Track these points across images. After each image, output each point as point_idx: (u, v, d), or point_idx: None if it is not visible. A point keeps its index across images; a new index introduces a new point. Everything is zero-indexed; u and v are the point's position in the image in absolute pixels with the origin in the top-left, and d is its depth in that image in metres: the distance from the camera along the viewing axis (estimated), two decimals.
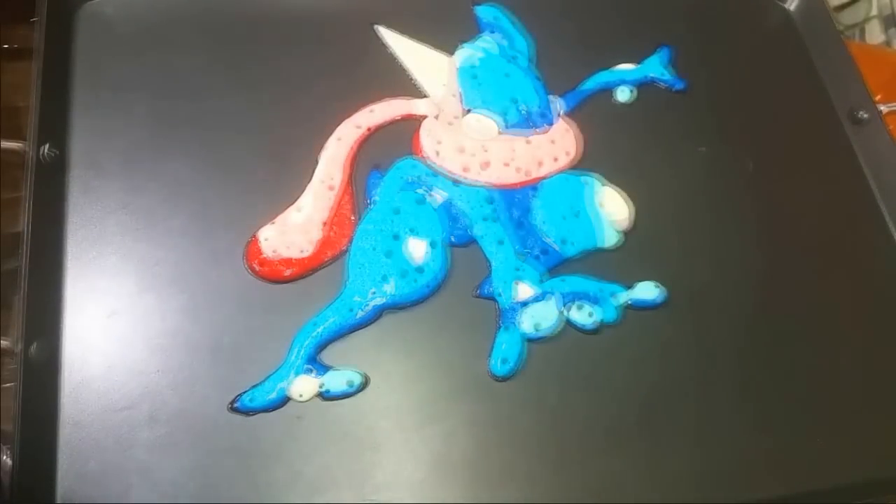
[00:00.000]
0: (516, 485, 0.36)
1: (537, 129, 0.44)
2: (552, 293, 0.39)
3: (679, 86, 0.48)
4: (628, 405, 0.38)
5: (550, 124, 0.45)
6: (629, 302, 0.40)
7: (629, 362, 0.39)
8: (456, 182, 0.42)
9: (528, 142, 0.43)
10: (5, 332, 0.35)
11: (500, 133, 0.44)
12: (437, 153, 0.42)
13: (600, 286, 0.40)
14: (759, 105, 0.49)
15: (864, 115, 0.48)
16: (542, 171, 0.43)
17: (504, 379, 0.38)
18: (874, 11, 0.64)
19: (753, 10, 0.53)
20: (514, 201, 0.42)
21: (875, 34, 0.65)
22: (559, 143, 0.44)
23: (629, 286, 0.41)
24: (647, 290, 0.41)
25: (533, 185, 0.42)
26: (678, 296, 0.41)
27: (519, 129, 0.44)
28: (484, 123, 0.44)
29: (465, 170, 0.42)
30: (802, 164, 0.47)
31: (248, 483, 0.34)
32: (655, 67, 0.49)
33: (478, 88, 0.45)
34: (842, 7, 0.66)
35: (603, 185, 0.43)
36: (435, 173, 0.42)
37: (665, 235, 0.43)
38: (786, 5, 0.54)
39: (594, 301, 0.40)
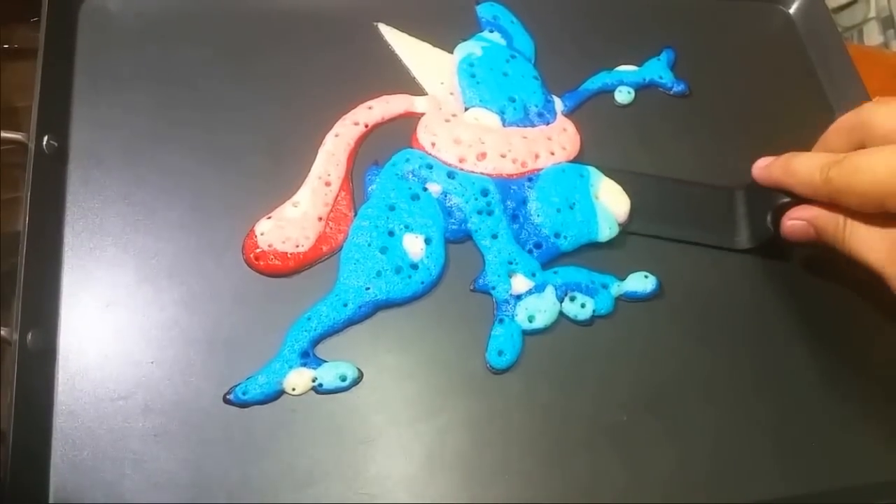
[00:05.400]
0: (510, 481, 0.36)
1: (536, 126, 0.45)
2: (547, 285, 0.39)
3: (679, 88, 0.48)
4: (624, 402, 0.38)
5: (548, 124, 0.45)
6: (622, 294, 0.40)
7: (624, 359, 0.39)
8: (451, 174, 0.42)
9: (524, 136, 0.43)
10: (1, 321, 0.35)
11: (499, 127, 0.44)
12: (433, 144, 0.42)
13: (592, 277, 0.40)
14: (759, 108, 0.49)
15: None
16: (539, 164, 0.43)
17: (501, 371, 0.38)
18: (872, 13, 0.64)
19: (753, 13, 0.54)
20: (510, 192, 0.42)
21: (873, 36, 0.65)
22: (556, 139, 0.44)
23: (622, 279, 0.41)
24: (638, 281, 0.41)
25: (529, 176, 0.42)
26: (673, 290, 0.41)
27: (518, 125, 0.44)
28: (483, 120, 0.44)
29: (462, 160, 0.42)
30: None
31: (240, 474, 0.34)
32: (656, 70, 0.49)
33: (476, 87, 0.45)
34: (840, 9, 0.66)
35: (601, 176, 0.43)
36: (430, 164, 0.42)
37: None
38: (786, 8, 0.54)
39: (587, 292, 0.40)
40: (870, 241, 0.35)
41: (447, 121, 0.44)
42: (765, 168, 0.40)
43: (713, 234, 0.43)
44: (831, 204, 0.36)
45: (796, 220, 0.38)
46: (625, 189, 0.42)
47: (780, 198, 0.39)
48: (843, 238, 0.36)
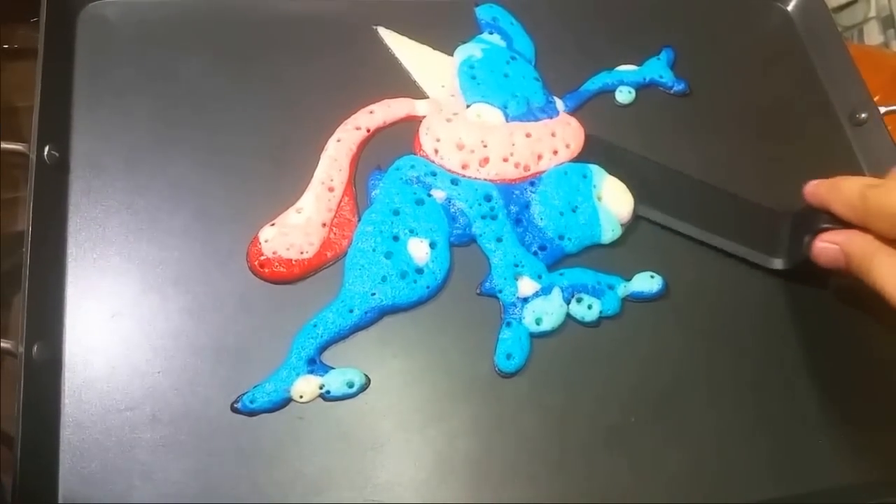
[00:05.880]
0: (519, 485, 0.36)
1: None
2: (553, 287, 0.40)
3: (679, 87, 0.48)
4: (630, 403, 0.38)
5: (551, 119, 0.45)
6: (628, 294, 0.41)
7: (630, 361, 0.39)
8: (455, 181, 0.42)
9: (527, 135, 0.43)
10: (6, 332, 0.35)
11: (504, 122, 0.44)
12: (436, 151, 0.42)
13: (598, 278, 0.40)
14: (760, 106, 0.49)
15: (864, 116, 0.48)
16: (542, 166, 0.43)
17: (510, 375, 0.38)
18: (872, 13, 0.65)
19: (753, 12, 0.54)
20: (513, 197, 0.42)
21: (873, 35, 0.65)
22: (559, 135, 0.44)
23: (628, 279, 0.41)
24: (644, 282, 0.41)
25: (531, 181, 0.42)
26: (678, 290, 0.41)
27: (521, 120, 0.44)
28: (486, 116, 0.44)
29: (465, 167, 0.42)
30: (802, 165, 0.47)
31: (249, 484, 0.34)
32: (656, 69, 0.49)
33: (476, 89, 0.45)
34: (840, 8, 0.66)
35: (604, 175, 0.43)
36: (434, 172, 0.42)
37: (663, 231, 0.43)
38: (784, 6, 0.54)
39: (594, 293, 0.40)
40: (894, 274, 0.34)
41: (449, 120, 0.43)
42: (815, 185, 0.39)
43: (751, 251, 0.42)
44: (865, 230, 0.35)
45: (828, 244, 0.37)
46: (678, 189, 0.43)
47: (822, 222, 0.38)
48: (868, 267, 0.35)
